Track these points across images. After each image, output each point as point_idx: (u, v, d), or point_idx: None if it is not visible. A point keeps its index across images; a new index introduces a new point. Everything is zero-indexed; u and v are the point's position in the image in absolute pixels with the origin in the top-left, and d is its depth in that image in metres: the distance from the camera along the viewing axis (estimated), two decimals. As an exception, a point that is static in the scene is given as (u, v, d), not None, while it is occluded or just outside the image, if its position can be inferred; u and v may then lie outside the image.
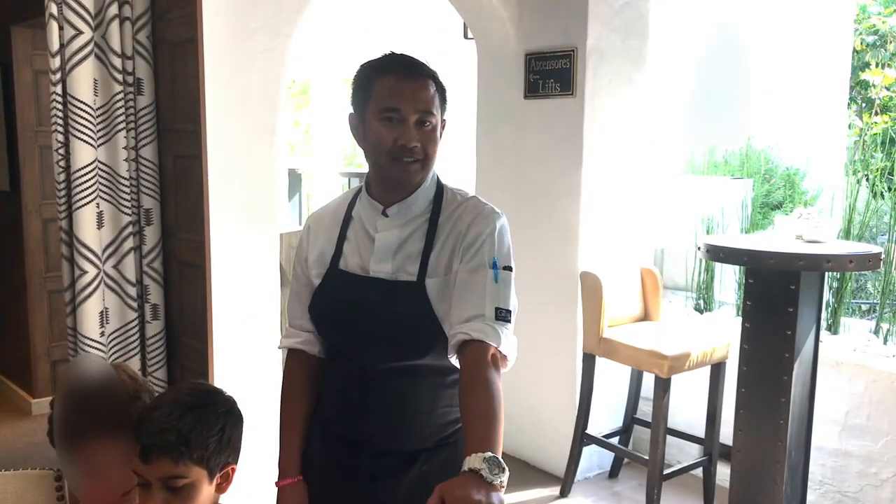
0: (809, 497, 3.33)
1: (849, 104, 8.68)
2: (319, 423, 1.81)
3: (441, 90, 1.67)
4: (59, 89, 2.96)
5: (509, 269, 1.67)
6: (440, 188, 1.74)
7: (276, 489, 1.78)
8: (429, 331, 1.66)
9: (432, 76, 1.66)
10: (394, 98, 1.61)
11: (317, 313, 1.76)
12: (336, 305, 1.72)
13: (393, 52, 1.68)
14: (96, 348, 3.04)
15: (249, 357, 3.12)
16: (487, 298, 1.61)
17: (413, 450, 1.72)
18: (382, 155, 1.64)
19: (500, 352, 1.59)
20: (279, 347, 1.86)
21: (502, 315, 1.62)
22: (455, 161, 5.76)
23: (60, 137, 3.00)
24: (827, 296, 3.58)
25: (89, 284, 3.02)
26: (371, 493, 1.72)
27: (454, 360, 1.64)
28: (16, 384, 4.88)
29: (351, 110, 1.70)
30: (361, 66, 1.68)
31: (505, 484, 1.40)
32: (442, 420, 1.73)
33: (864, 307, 4.57)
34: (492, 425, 1.49)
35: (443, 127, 1.70)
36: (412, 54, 1.69)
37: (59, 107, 2.97)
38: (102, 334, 3.08)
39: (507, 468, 1.40)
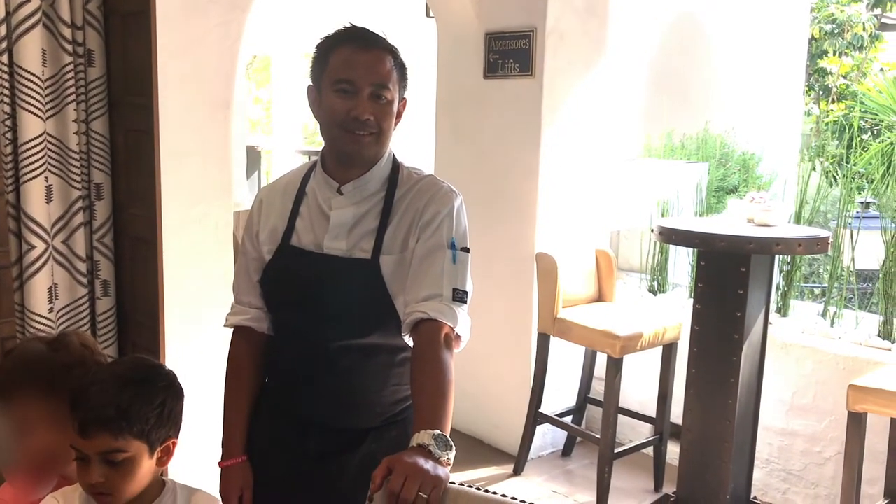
0: (756, 475, 3.40)
1: (806, 91, 8.82)
2: (267, 402, 1.80)
3: (400, 67, 1.65)
4: (4, 59, 2.87)
5: (467, 250, 1.68)
6: (396, 166, 1.73)
7: (218, 469, 1.77)
8: (381, 308, 1.65)
9: (391, 51, 1.64)
10: (348, 69, 1.59)
11: (268, 289, 1.75)
12: (288, 282, 1.71)
13: (352, 25, 1.66)
14: (45, 325, 2.99)
15: (202, 334, 3.09)
16: (445, 279, 1.62)
17: (362, 428, 1.72)
18: (335, 126, 1.62)
19: (454, 332, 1.61)
20: (225, 326, 1.83)
21: (459, 296, 1.63)
22: (414, 140, 5.74)
23: (7, 108, 2.91)
24: (778, 279, 3.65)
25: (37, 259, 2.96)
26: (319, 472, 1.72)
27: (408, 339, 1.65)
28: (-36, 361, 4.78)
29: (310, 82, 1.68)
30: (321, 37, 1.66)
31: (451, 461, 1.42)
32: (391, 398, 1.73)
33: (816, 291, 4.67)
34: (442, 404, 1.51)
35: (403, 106, 1.69)
36: (373, 28, 1.67)
37: (6, 76, 2.89)
38: (51, 311, 3.02)
39: (454, 446, 1.42)
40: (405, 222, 1.67)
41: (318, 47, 1.65)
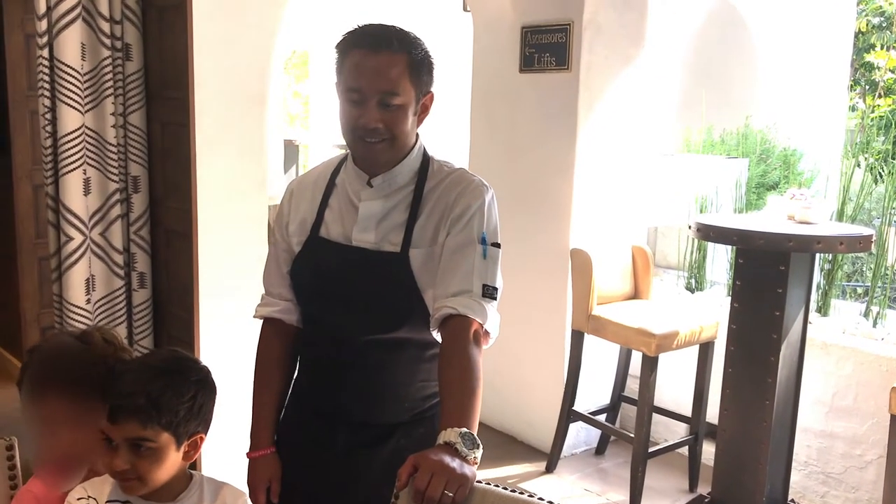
0: (794, 477, 3.34)
1: (852, 86, 8.62)
2: (294, 395, 1.80)
3: (418, 64, 1.60)
4: (45, 53, 2.91)
5: (497, 245, 1.66)
6: (426, 159, 1.71)
7: (247, 460, 1.77)
8: (410, 302, 1.64)
9: (405, 49, 1.58)
10: (356, 77, 1.57)
11: (297, 281, 1.74)
12: (316, 273, 1.70)
13: (366, 25, 1.62)
14: (82, 316, 3.03)
15: (236, 327, 3.10)
16: (475, 274, 1.60)
17: (389, 424, 1.71)
18: (348, 133, 1.63)
19: (483, 328, 1.59)
20: (255, 317, 1.83)
21: (489, 292, 1.61)
22: (449, 135, 5.73)
23: (47, 102, 2.96)
24: (818, 278, 3.57)
25: (75, 251, 3.00)
26: (346, 467, 1.71)
27: (436, 334, 1.64)
28: (5, 350, 4.88)
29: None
30: (341, 36, 1.64)
31: (479, 460, 1.40)
32: (419, 394, 1.72)
33: (858, 290, 4.56)
34: (469, 401, 1.50)
35: (430, 100, 1.66)
36: (396, 24, 1.63)
37: (46, 71, 2.93)
38: (88, 301, 3.06)
39: (481, 445, 1.41)
40: (435, 216, 1.65)
41: (336, 47, 1.63)
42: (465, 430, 1.41)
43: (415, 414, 1.72)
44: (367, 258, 1.64)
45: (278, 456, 1.76)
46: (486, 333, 1.61)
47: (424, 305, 1.64)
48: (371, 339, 1.66)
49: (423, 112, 1.66)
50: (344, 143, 1.66)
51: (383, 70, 1.56)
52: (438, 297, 1.60)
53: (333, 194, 1.73)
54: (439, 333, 1.62)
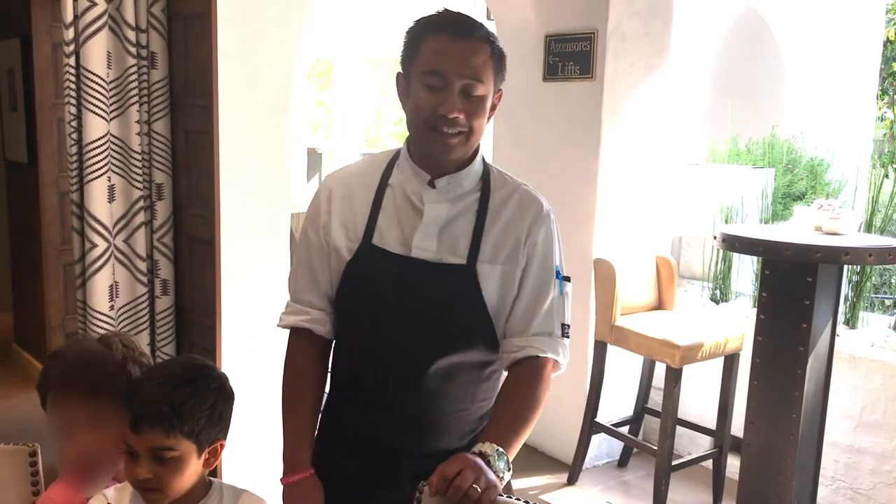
0: (821, 493, 3.27)
1: (881, 96, 8.52)
2: (330, 420, 1.65)
3: (498, 56, 1.50)
4: (72, 61, 2.94)
5: (568, 279, 1.62)
6: (486, 166, 1.61)
7: (281, 486, 1.59)
8: (477, 321, 1.53)
9: (488, 39, 1.48)
10: (439, 60, 1.45)
11: (346, 294, 1.57)
12: (371, 287, 1.54)
13: (448, 10, 1.53)
14: (105, 322, 3.05)
15: (258, 334, 3.11)
16: (555, 314, 1.58)
17: (448, 450, 1.54)
18: (421, 123, 1.48)
19: (558, 364, 1.59)
20: (280, 325, 1.65)
21: (566, 332, 1.60)
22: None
23: (73, 110, 2.99)
24: (846, 289, 3.51)
25: (99, 258, 3.02)
26: (398, 499, 1.57)
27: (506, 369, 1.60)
28: (32, 355, 4.93)
29: (399, 69, 1.55)
30: (414, 21, 1.53)
31: (506, 481, 1.40)
32: (477, 415, 1.63)
33: (887, 303, 4.49)
34: (520, 428, 1.49)
35: (498, 98, 1.54)
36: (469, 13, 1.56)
37: (73, 79, 2.96)
38: (112, 308, 3.08)
39: (512, 469, 1.41)
40: (510, 234, 1.54)
41: (408, 32, 1.51)
42: (501, 449, 1.41)
43: (474, 437, 1.60)
44: (430, 271, 1.50)
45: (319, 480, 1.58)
46: (558, 366, 1.60)
47: (491, 325, 1.53)
48: (430, 361, 1.52)
49: (491, 111, 1.53)
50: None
51: (470, 56, 1.45)
52: (516, 335, 1.55)
53: (387, 196, 1.56)
54: (511, 366, 1.57)
